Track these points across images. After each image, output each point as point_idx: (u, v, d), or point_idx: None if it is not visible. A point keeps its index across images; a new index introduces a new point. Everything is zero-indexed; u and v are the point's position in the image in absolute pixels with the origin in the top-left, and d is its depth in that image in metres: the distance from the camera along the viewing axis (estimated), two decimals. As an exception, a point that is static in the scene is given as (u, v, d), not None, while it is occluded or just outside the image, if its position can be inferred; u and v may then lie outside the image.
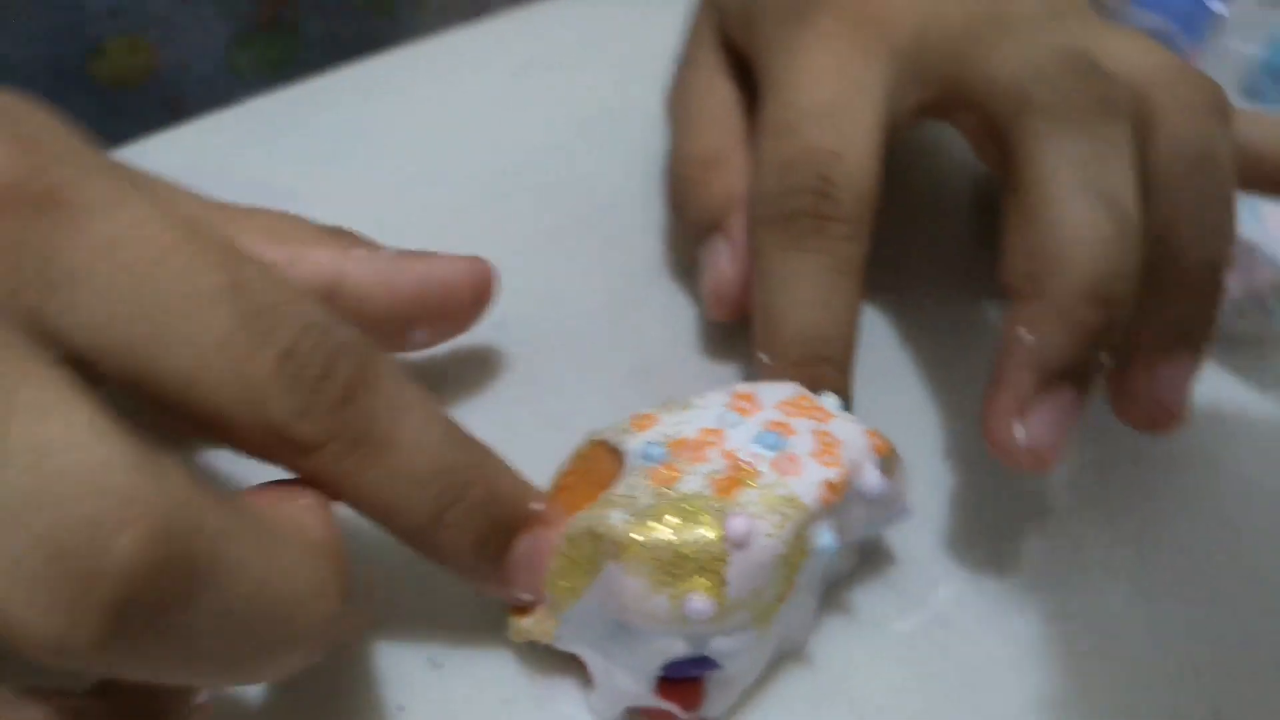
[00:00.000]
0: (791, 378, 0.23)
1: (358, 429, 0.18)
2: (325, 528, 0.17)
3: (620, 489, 0.20)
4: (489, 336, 0.26)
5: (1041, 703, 0.22)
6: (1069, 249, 0.22)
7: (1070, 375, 0.22)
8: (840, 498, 0.20)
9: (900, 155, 0.26)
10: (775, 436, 0.21)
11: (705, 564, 0.19)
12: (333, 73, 0.34)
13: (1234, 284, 0.29)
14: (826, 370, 0.23)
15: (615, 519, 0.19)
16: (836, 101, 0.25)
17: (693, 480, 0.20)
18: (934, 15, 0.26)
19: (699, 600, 0.19)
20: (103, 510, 0.13)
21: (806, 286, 0.24)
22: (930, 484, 0.25)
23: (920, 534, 0.24)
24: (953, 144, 0.29)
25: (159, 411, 0.17)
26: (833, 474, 0.20)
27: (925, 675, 0.22)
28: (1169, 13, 0.38)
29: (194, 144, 0.31)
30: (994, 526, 0.25)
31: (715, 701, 0.21)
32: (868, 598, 0.23)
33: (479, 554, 0.20)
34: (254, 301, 0.17)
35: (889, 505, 0.22)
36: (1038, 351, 0.22)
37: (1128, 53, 0.24)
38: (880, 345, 0.28)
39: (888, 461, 0.22)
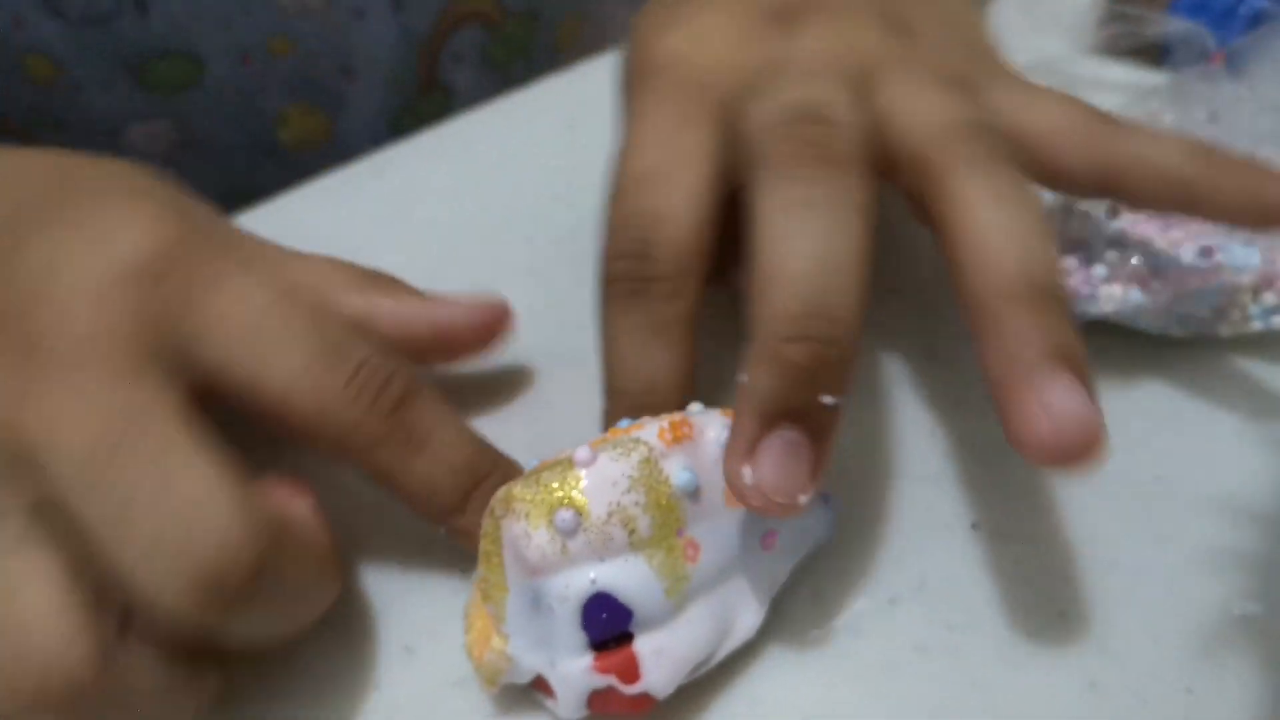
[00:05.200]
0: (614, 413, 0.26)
1: (408, 428, 0.25)
2: (320, 523, 0.24)
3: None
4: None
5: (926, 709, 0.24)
6: (767, 290, 0.23)
7: (792, 415, 0.22)
8: (681, 438, 0.24)
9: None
10: (629, 422, 0.25)
11: (564, 485, 0.23)
12: (399, 143, 0.38)
13: (1208, 288, 0.29)
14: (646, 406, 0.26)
15: (500, 490, 0.24)
16: (659, 167, 0.26)
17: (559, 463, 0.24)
18: (736, 71, 0.27)
19: (565, 513, 0.23)
20: (230, 538, 0.20)
21: (627, 344, 0.26)
22: (864, 505, 0.27)
23: (848, 550, 0.27)
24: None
25: (266, 422, 0.24)
26: (665, 421, 0.24)
27: (827, 677, 0.25)
28: (1207, 13, 0.38)
29: (296, 210, 0.36)
30: (916, 543, 0.27)
31: (653, 674, 0.23)
32: (789, 603, 0.26)
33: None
34: (328, 339, 0.24)
35: None
36: (752, 394, 0.22)
37: (919, 108, 0.26)
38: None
39: None
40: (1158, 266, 0.29)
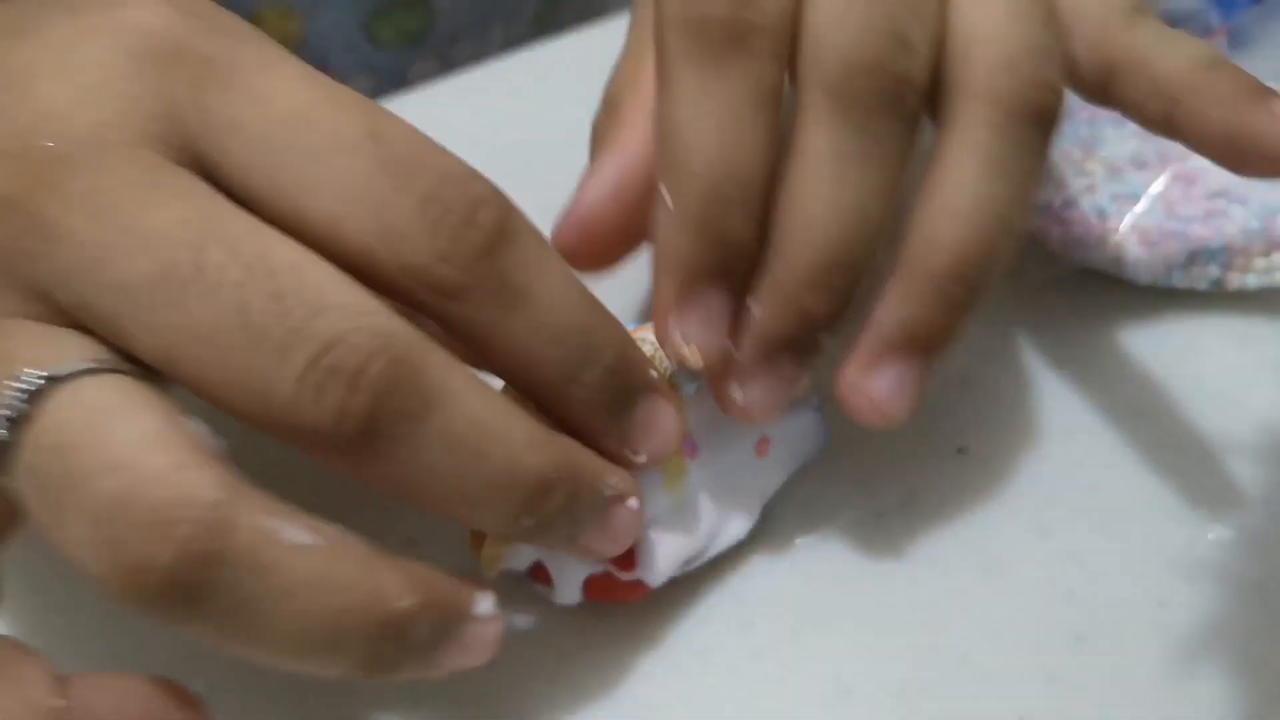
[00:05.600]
0: (694, 222, 0.21)
1: (499, 277, 0.19)
2: None
3: None
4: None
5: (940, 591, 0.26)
6: (795, 231, 0.22)
7: (789, 350, 0.22)
8: None
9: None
10: (635, 325, 0.25)
11: None
12: (414, 90, 0.39)
13: (1210, 248, 0.30)
14: (733, 216, 0.21)
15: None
16: None
17: None
18: None
19: None
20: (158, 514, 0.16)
21: (720, 113, 0.21)
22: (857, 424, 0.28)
23: (839, 465, 0.27)
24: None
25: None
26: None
27: (814, 578, 0.26)
28: (1211, -12, 0.39)
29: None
30: (905, 463, 0.28)
31: (649, 562, 0.24)
32: (780, 510, 0.27)
33: (607, 415, 0.21)
34: (394, 150, 0.19)
35: None
36: (760, 327, 0.22)
37: (981, 22, 0.22)
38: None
39: None
40: (1164, 226, 0.30)
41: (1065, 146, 0.33)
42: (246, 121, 0.19)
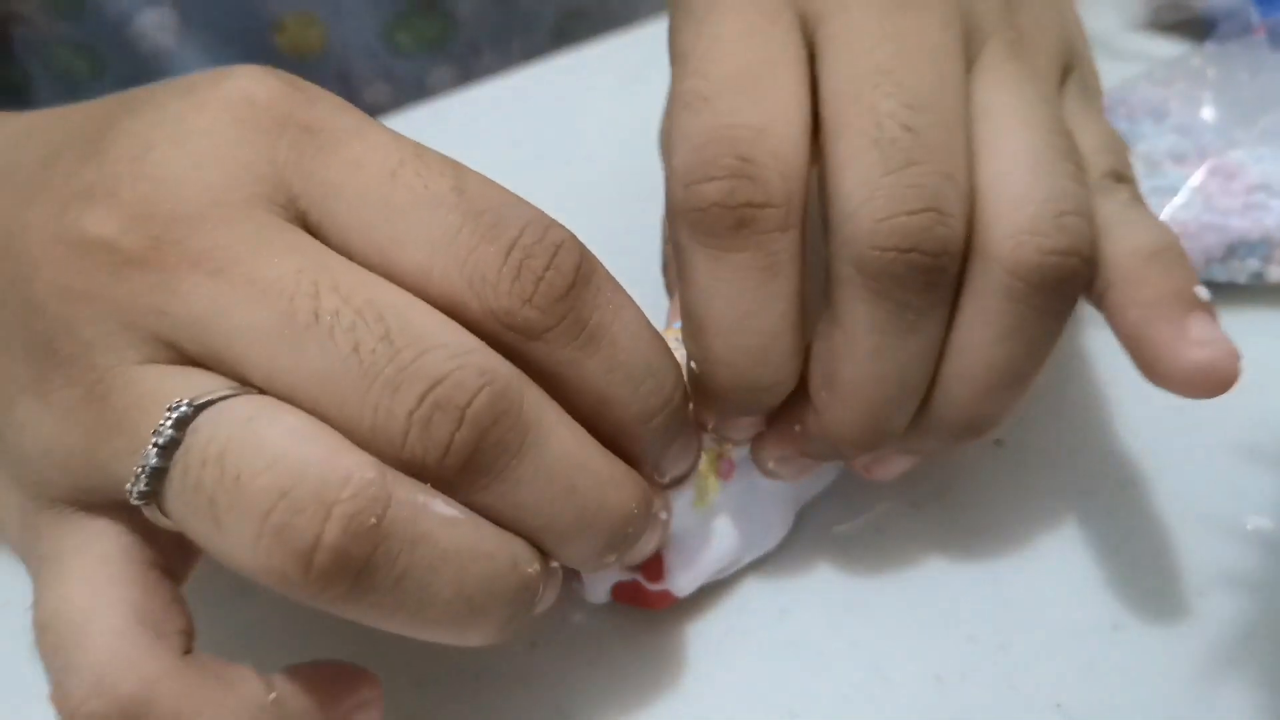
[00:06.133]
0: (715, 397, 0.23)
1: (578, 319, 0.20)
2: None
3: None
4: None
5: (948, 590, 0.26)
6: (843, 400, 0.22)
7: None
8: None
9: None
10: (681, 324, 0.25)
11: None
12: (437, 99, 0.40)
13: (1250, 241, 0.30)
14: (753, 382, 0.22)
15: None
16: (754, 68, 0.22)
17: None
18: None
19: None
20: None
21: (733, 296, 0.21)
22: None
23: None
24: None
25: None
26: None
27: (852, 566, 0.26)
28: (1255, -18, 0.39)
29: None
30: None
31: (677, 574, 0.25)
32: (817, 503, 0.27)
33: (658, 448, 0.22)
34: (478, 203, 0.20)
35: None
36: (801, 445, 0.24)
37: (1008, 176, 0.22)
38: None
39: None
40: (1202, 219, 0.30)
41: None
42: (344, 183, 0.20)
